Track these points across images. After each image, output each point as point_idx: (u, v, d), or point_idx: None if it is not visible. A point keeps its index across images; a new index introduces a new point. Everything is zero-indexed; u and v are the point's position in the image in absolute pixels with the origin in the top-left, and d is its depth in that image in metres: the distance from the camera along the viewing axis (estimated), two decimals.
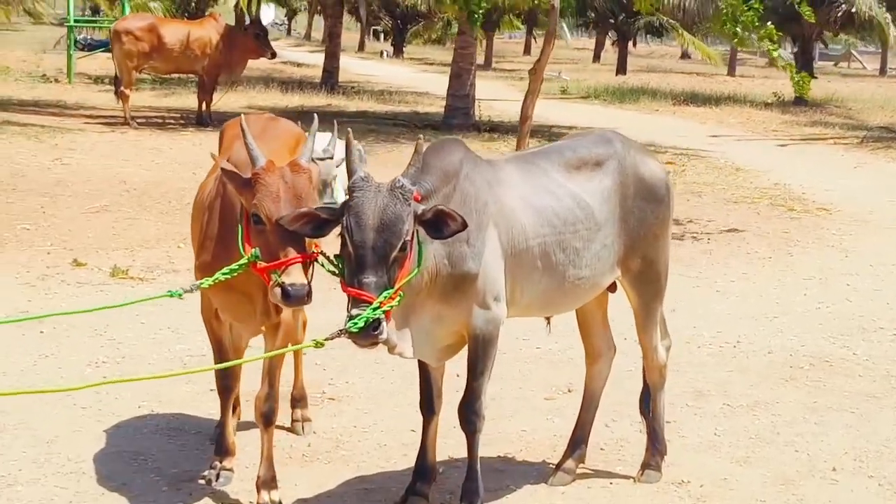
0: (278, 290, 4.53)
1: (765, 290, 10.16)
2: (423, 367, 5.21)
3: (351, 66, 38.94)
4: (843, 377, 7.66)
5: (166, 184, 13.50)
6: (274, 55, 20.87)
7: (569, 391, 7.02)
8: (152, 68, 20.29)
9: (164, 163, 15.27)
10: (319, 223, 4.53)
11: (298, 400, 6.28)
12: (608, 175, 5.37)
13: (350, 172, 4.53)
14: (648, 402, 5.87)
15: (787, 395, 7.27)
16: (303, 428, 6.22)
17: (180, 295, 4.62)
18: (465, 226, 4.49)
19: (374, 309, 4.28)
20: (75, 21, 27.68)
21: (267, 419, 5.23)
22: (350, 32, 59.95)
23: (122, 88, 19.29)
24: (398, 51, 50.16)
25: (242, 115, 5.09)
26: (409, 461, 5.60)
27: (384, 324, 4.35)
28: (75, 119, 19.42)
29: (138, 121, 19.51)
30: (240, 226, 4.76)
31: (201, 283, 4.70)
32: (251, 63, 20.99)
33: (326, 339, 4.33)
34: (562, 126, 21.40)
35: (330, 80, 28.21)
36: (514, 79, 36.96)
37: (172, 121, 20.47)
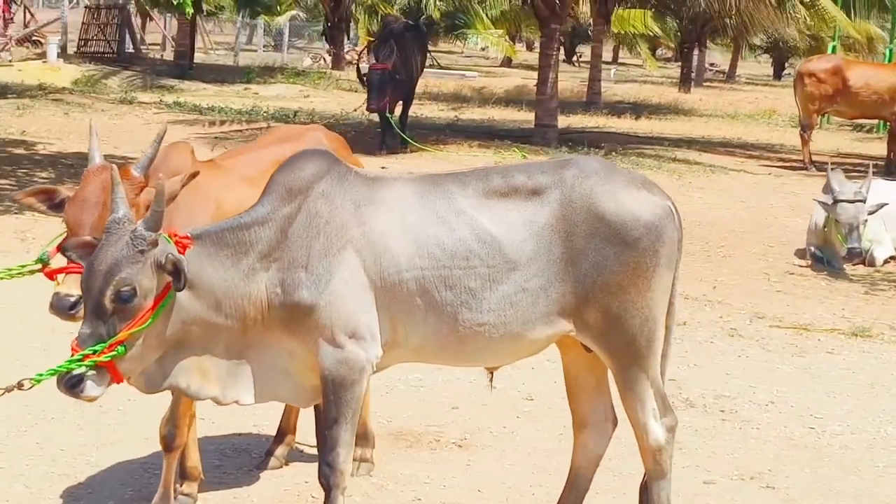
0: (51, 298, 4.47)
1: None
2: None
3: None
4: None
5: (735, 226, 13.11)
6: None
7: (750, 479, 5.86)
8: (836, 112, 19.46)
9: (762, 207, 14.69)
10: None
11: (360, 437, 5.49)
12: (545, 207, 4.44)
13: (112, 209, 4.14)
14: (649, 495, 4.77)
15: None
16: (357, 468, 5.60)
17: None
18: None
19: (71, 362, 4.00)
20: None
21: (166, 443, 4.97)
22: None
23: (801, 132, 18.80)
24: None
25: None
26: None
27: (87, 382, 4.02)
28: (755, 161, 19.36)
29: (816, 165, 18.82)
30: None
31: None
32: None
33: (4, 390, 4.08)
34: None
35: None
36: None
37: (862, 168, 19.40)
